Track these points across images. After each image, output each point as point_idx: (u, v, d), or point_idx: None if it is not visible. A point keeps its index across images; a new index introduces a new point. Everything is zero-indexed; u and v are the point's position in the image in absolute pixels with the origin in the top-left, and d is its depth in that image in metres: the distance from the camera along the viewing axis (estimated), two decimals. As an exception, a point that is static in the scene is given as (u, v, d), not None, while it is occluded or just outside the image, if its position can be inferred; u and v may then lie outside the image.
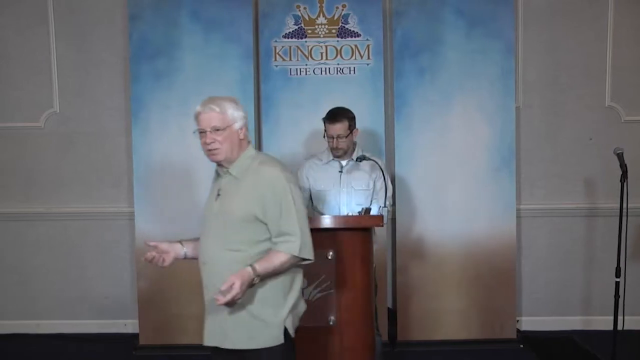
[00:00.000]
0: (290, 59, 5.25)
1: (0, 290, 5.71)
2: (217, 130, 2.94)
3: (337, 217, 3.49)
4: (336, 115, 4.23)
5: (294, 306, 3.00)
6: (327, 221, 3.37)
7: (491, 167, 5.28)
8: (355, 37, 5.24)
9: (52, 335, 5.62)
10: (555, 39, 5.53)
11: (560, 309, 5.66)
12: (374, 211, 3.99)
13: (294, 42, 5.25)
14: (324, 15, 5.25)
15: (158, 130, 5.25)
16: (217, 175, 3.12)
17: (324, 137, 4.31)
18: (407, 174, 5.29)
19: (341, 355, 3.39)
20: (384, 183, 4.23)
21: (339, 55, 5.25)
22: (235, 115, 2.97)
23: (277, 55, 5.26)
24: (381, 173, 4.20)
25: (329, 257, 3.34)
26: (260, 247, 2.92)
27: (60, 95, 5.60)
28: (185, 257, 3.17)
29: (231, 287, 2.74)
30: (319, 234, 3.35)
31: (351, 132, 4.26)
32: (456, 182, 5.29)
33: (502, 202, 5.28)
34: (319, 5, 5.24)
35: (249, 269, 2.81)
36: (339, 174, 4.30)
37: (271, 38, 5.26)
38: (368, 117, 5.22)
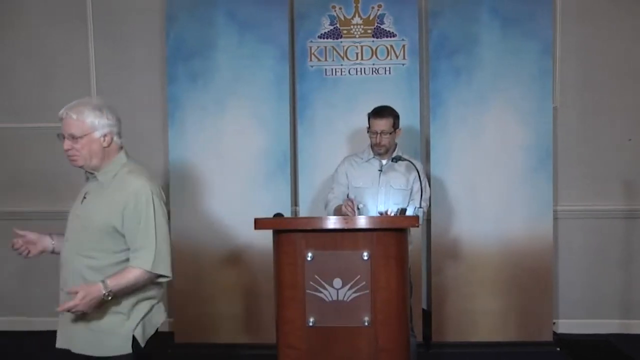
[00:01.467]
0: (326, 60, 5.26)
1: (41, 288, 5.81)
2: (74, 137, 2.91)
3: (372, 218, 3.47)
4: (382, 111, 4.24)
5: (146, 316, 2.99)
6: (362, 221, 3.36)
7: (528, 167, 5.23)
8: (390, 37, 5.23)
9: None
10: (594, 38, 5.47)
11: (598, 311, 5.59)
12: (409, 212, 3.97)
13: (329, 42, 5.26)
14: (359, 16, 5.24)
15: (193, 130, 5.30)
16: (86, 177, 3.08)
17: (367, 131, 4.30)
18: (442, 174, 5.27)
19: (376, 356, 3.37)
20: (420, 185, 4.22)
21: (374, 56, 5.25)
22: (96, 123, 2.93)
23: (313, 56, 5.27)
24: (417, 174, 4.19)
25: (364, 258, 3.34)
26: (117, 258, 2.90)
27: (98, 95, 5.67)
28: (53, 252, 3.13)
29: (75, 294, 2.74)
30: (354, 234, 3.35)
31: (395, 130, 4.27)
32: (492, 182, 5.25)
33: (538, 203, 5.23)
34: (354, 5, 5.24)
35: (100, 284, 2.78)
36: (379, 172, 4.29)
37: (307, 38, 5.27)
38: (403, 117, 5.15)
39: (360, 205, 4.06)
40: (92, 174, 3.02)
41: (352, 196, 4.29)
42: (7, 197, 5.76)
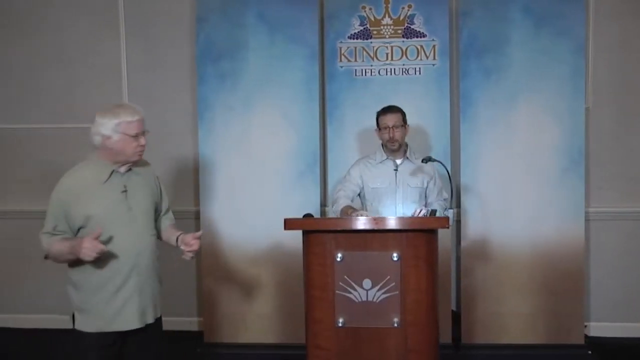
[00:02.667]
0: (356, 60, 5.25)
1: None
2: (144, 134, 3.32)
3: (402, 218, 3.47)
4: (390, 107, 4.39)
5: None
6: (392, 222, 3.36)
7: (559, 168, 5.18)
8: (420, 37, 5.21)
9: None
10: (627, 37, 5.40)
11: (630, 315, 5.51)
12: (439, 213, 3.97)
13: (359, 42, 5.25)
14: (389, 16, 5.23)
15: (223, 131, 5.32)
16: (111, 176, 3.27)
17: (377, 132, 4.43)
18: (472, 175, 5.23)
19: (405, 357, 3.37)
20: (435, 183, 4.40)
21: (404, 56, 5.23)
22: None
23: (343, 56, 5.26)
24: (433, 174, 4.38)
25: (394, 259, 3.33)
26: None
27: (130, 95, 5.73)
28: None
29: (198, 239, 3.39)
30: (384, 235, 3.35)
31: (405, 125, 4.38)
32: (523, 183, 5.21)
33: (570, 204, 5.17)
34: (384, 5, 5.23)
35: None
36: (394, 172, 4.33)
37: (336, 39, 5.27)
38: (433, 117, 5.19)
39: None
40: (129, 169, 3.34)
41: (369, 197, 4.39)
42: (38, 197, 5.83)
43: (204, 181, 5.37)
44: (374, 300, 3.36)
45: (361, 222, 3.33)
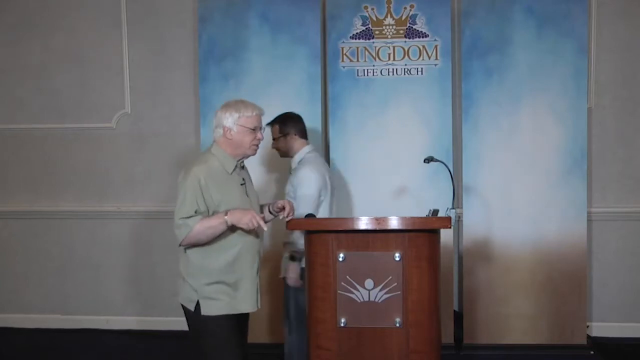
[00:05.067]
0: (358, 60, 5.25)
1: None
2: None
3: (404, 218, 3.46)
4: None
5: None
6: (394, 222, 3.36)
7: (562, 169, 5.18)
8: (423, 37, 5.21)
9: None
10: (630, 36, 5.40)
11: (633, 315, 5.50)
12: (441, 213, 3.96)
13: (361, 43, 5.25)
14: (391, 16, 5.23)
15: (226, 131, 5.31)
16: (235, 167, 3.44)
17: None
18: (474, 175, 5.23)
19: (407, 357, 3.36)
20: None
21: (406, 56, 5.23)
22: None
23: (345, 56, 5.27)
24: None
25: (396, 259, 3.33)
26: None
27: (132, 96, 5.74)
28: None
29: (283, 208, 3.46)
30: (386, 235, 3.35)
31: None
32: (525, 183, 5.21)
33: (572, 205, 5.17)
34: (386, 6, 5.23)
35: None
36: None
37: (339, 39, 5.27)
38: (435, 118, 5.19)
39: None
40: (242, 162, 3.52)
41: None
42: (50, 196, 5.87)
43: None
44: (376, 300, 3.36)
45: (363, 222, 3.33)
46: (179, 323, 5.70)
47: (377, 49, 5.25)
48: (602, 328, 5.51)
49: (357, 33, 5.26)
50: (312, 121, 5.26)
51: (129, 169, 5.79)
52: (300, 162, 4.19)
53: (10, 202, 5.93)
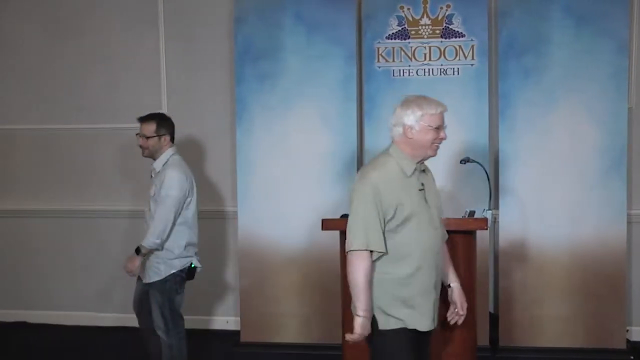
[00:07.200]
0: (394, 60, 5.24)
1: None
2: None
3: (440, 219, 3.46)
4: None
5: None
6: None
7: (600, 170, 5.10)
8: (459, 37, 5.18)
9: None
10: (673, 36, 5.31)
11: (675, 320, 5.41)
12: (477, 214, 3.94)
13: (397, 43, 5.23)
14: (427, 16, 5.20)
15: (261, 132, 5.34)
16: (415, 170, 3.17)
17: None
18: (511, 175, 5.18)
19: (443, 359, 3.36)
20: None
21: (442, 56, 5.20)
22: None
23: (380, 57, 5.25)
24: None
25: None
26: None
27: (169, 96, 5.78)
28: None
29: None
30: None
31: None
32: (563, 184, 5.14)
33: (611, 206, 5.09)
34: (422, 5, 5.21)
35: None
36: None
37: (374, 39, 5.26)
38: (472, 118, 5.16)
39: None
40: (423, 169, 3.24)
41: None
42: (80, 196, 5.95)
43: (242, 181, 5.39)
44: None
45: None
46: (212, 322, 5.78)
47: (413, 49, 5.23)
48: (643, 333, 5.42)
49: (392, 33, 5.24)
50: (347, 121, 5.27)
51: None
52: (165, 164, 4.34)
53: (45, 201, 6.02)
